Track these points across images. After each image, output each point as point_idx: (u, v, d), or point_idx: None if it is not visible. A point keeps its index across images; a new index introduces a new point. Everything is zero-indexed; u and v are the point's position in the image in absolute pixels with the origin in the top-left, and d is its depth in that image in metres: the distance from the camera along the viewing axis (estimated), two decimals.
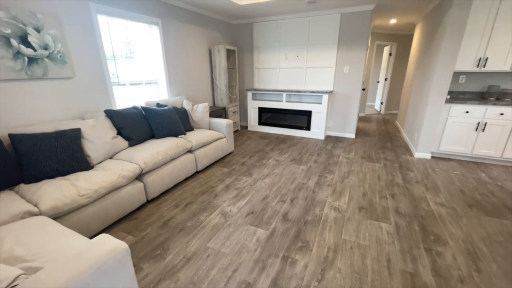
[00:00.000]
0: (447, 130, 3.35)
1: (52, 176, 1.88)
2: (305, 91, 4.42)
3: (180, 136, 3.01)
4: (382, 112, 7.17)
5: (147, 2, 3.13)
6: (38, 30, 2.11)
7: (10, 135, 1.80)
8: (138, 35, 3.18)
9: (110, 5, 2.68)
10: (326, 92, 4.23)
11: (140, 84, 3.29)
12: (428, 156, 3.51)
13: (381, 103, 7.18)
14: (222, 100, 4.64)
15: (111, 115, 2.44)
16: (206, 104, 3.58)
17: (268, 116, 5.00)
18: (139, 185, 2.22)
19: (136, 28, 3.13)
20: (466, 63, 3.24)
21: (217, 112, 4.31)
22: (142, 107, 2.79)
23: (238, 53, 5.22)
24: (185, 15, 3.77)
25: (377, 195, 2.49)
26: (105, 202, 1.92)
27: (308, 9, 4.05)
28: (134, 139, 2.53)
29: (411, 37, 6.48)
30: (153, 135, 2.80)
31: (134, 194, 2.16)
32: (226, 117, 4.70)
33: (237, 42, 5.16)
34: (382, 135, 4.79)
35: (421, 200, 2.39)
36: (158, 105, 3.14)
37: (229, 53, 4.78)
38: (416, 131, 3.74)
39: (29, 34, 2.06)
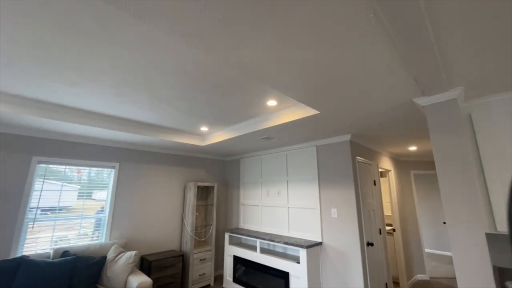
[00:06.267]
0: None
1: None
2: (279, 240, 3.20)
3: None
4: None
5: (106, 150, 3.48)
6: None
7: None
8: (92, 176, 3.36)
9: (57, 155, 3.05)
10: (305, 246, 2.90)
11: (74, 219, 3.12)
12: None
13: None
14: (187, 243, 3.87)
15: None
16: (133, 254, 2.93)
17: (243, 270, 3.69)
18: None
19: (87, 171, 3.36)
20: None
21: (168, 260, 3.46)
22: (21, 260, 2.39)
23: (228, 189, 4.87)
24: (153, 157, 3.98)
25: None
26: None
27: (283, 144, 3.64)
28: None
29: None
30: None
31: None
32: (185, 267, 3.72)
33: (227, 178, 4.95)
34: None
35: None
36: (64, 253, 2.71)
37: (209, 189, 4.48)
38: None
39: None
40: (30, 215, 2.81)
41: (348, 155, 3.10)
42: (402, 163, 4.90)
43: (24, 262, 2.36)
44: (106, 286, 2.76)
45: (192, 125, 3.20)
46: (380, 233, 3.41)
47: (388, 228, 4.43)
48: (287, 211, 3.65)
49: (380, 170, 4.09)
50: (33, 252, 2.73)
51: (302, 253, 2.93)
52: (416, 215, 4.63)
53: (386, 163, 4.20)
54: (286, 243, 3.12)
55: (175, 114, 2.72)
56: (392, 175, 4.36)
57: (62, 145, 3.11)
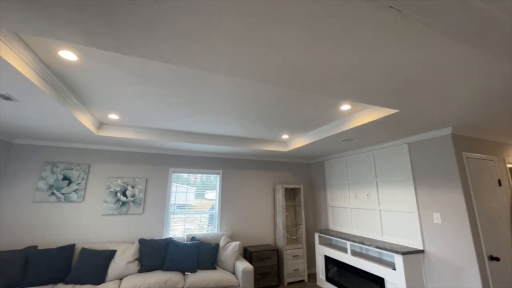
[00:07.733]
0: None
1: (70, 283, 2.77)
2: (371, 244, 3.09)
3: (187, 273, 3.18)
4: None
5: (212, 160, 4.42)
6: (132, 187, 3.77)
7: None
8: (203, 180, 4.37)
9: (183, 166, 4.18)
10: (401, 252, 2.71)
11: (194, 214, 4.16)
12: None
13: None
14: (280, 240, 4.30)
15: (142, 243, 3.30)
16: (237, 244, 3.61)
17: (335, 271, 3.74)
18: None
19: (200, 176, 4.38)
20: None
21: (265, 253, 3.98)
22: (170, 240, 3.46)
23: (314, 190, 5.02)
24: (247, 163, 4.67)
25: None
26: None
27: (368, 143, 3.51)
28: (142, 267, 3.09)
29: None
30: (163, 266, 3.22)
31: None
32: (279, 261, 4.15)
33: (312, 180, 5.10)
34: None
35: None
36: (192, 238, 3.69)
37: (295, 191, 4.77)
38: None
39: (127, 189, 3.74)
40: (171, 209, 4.00)
41: (450, 151, 2.66)
42: None
43: (171, 241, 3.43)
44: (221, 266, 3.53)
45: (274, 135, 3.63)
46: None
47: None
48: (379, 214, 3.45)
49: (510, 166, 3.17)
50: (173, 236, 3.86)
51: (398, 260, 2.73)
52: None
53: None
54: (378, 247, 2.99)
55: (259, 128, 3.21)
56: None
57: (185, 158, 4.24)
